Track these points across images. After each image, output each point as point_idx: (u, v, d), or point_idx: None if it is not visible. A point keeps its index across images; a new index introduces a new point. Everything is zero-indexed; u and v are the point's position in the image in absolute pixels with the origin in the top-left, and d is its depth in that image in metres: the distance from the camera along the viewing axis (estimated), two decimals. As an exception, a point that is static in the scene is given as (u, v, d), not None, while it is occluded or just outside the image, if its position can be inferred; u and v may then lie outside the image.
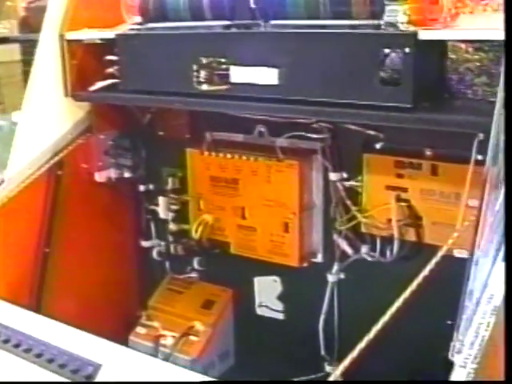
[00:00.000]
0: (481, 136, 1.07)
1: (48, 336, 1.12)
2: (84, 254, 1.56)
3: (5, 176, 1.40)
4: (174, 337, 1.55)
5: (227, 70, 1.25)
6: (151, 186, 1.62)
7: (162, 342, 1.55)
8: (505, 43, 0.92)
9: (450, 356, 0.83)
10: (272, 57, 1.19)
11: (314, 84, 1.16)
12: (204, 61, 1.27)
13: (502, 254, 0.92)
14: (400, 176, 1.31)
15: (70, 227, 1.52)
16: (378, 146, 1.32)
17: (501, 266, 0.91)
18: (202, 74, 1.29)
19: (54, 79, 1.44)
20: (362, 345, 0.86)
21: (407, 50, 1.07)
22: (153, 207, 1.63)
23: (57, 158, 1.46)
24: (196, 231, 1.51)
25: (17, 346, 1.10)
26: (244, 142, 1.46)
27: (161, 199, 1.60)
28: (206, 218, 1.51)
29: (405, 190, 1.31)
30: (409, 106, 1.09)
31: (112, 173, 1.57)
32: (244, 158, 1.42)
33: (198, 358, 1.54)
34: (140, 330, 1.60)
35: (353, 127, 1.28)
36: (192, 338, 1.55)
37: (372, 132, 1.30)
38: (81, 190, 1.53)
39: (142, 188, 1.62)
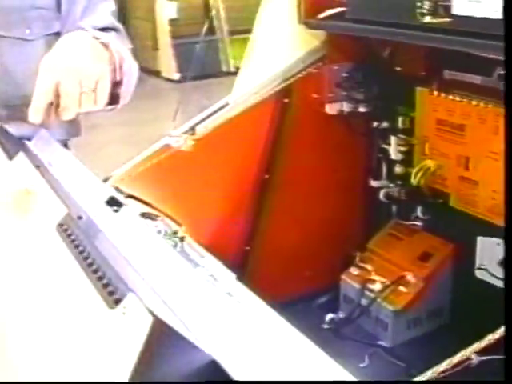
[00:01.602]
0: None
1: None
2: (306, 185, 1.55)
3: (230, 99, 1.43)
4: (382, 283, 1.48)
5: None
6: (384, 124, 1.53)
7: (370, 286, 1.49)
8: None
9: None
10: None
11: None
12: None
13: None
14: None
15: (294, 157, 1.52)
16: None
17: None
18: (426, 4, 1.16)
19: (288, 4, 1.42)
20: None
21: None
22: (385, 146, 1.54)
23: (285, 85, 1.45)
24: (415, 177, 1.40)
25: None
26: (478, 85, 1.30)
27: (392, 139, 1.51)
28: (428, 163, 1.39)
29: None
30: None
31: (344, 106, 1.52)
32: (474, 102, 1.26)
33: (403, 310, 1.45)
34: (353, 270, 1.56)
35: None
36: (401, 288, 1.47)
37: None
38: (308, 121, 1.51)
39: (375, 124, 1.54)
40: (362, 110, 1.52)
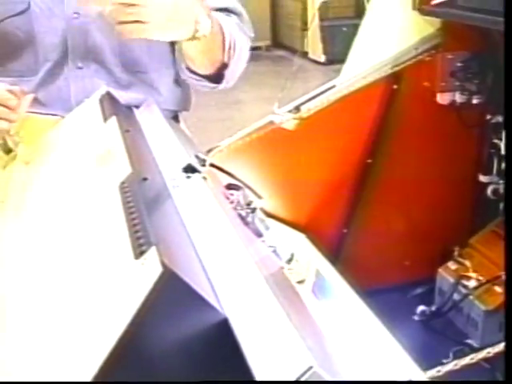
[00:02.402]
0: None
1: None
2: (410, 174, 1.53)
3: (337, 82, 1.44)
4: (478, 281, 1.45)
5: None
6: (498, 117, 1.48)
7: (465, 282, 1.46)
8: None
9: None
10: None
11: None
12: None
13: None
14: None
15: (399, 144, 1.50)
16: None
17: None
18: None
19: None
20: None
21: None
22: (496, 141, 1.49)
23: (395, 71, 1.44)
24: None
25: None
26: None
27: (504, 133, 1.46)
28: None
29: None
30: None
31: (457, 96, 1.48)
32: None
33: (495, 310, 1.41)
34: (451, 264, 1.53)
35: None
36: (496, 288, 1.42)
37: None
38: (417, 109, 1.49)
39: (488, 117, 1.49)
40: (475, 101, 1.48)
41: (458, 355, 1.41)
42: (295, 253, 0.98)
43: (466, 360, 0.72)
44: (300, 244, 1.41)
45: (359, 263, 1.52)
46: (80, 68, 1.22)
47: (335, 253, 1.52)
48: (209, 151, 1.38)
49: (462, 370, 0.74)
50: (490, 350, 0.73)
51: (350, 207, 1.52)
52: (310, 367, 0.52)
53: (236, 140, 1.39)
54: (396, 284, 1.56)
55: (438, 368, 0.73)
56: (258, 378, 0.54)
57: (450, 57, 1.45)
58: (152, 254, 0.59)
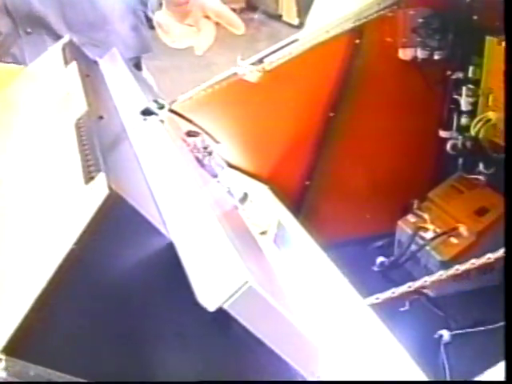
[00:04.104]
0: None
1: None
2: (372, 128, 1.56)
3: (300, 35, 1.46)
4: (435, 232, 1.48)
5: None
6: (458, 73, 1.50)
7: (422, 234, 1.50)
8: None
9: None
10: None
11: None
12: None
13: None
14: None
15: (362, 98, 1.53)
16: None
17: None
18: None
19: None
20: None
21: None
22: (456, 96, 1.52)
23: (357, 26, 1.45)
24: (474, 127, 1.38)
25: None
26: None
27: (464, 89, 1.49)
28: (489, 115, 1.37)
29: None
30: None
31: (418, 52, 1.50)
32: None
33: (450, 261, 1.45)
34: (411, 217, 1.56)
35: None
36: (452, 239, 1.46)
37: None
38: (380, 64, 1.51)
39: (448, 73, 1.52)
40: (436, 57, 1.50)
41: (415, 304, 1.46)
42: (249, 193, 1.00)
43: (404, 288, 0.75)
44: (263, 195, 1.43)
45: (321, 216, 1.55)
46: (29, 33, 1.24)
47: (297, 205, 1.55)
48: (171, 102, 1.39)
49: (400, 297, 0.77)
50: (427, 278, 0.76)
51: (313, 160, 1.54)
52: (246, 282, 0.54)
53: (199, 91, 1.40)
54: (357, 237, 1.60)
55: (377, 295, 0.76)
56: (199, 295, 0.56)
57: (411, 13, 1.47)
58: (100, 179, 0.61)
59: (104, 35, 1.27)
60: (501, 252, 0.96)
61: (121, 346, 0.58)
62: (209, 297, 0.56)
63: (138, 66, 1.38)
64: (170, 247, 0.62)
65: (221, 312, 0.54)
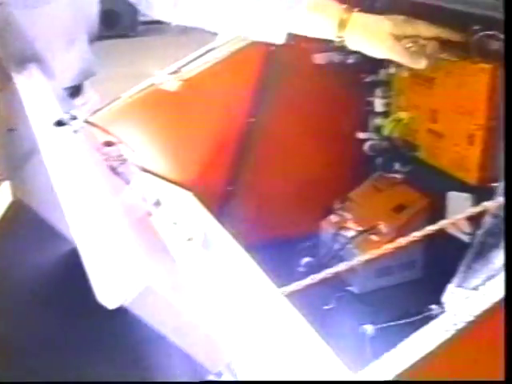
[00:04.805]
0: None
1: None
2: (292, 132, 1.59)
3: (216, 43, 1.48)
4: (356, 231, 1.53)
5: None
6: (371, 76, 1.55)
7: (344, 233, 1.54)
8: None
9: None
10: None
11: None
12: None
13: None
14: None
15: (280, 104, 1.56)
16: None
17: None
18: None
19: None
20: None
21: None
22: (371, 99, 1.57)
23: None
24: (387, 127, 1.43)
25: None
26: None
27: (377, 91, 1.54)
28: (401, 115, 1.42)
29: None
30: None
31: (333, 56, 1.54)
32: (442, 55, 1.28)
33: (372, 258, 1.49)
34: (333, 218, 1.60)
35: None
36: (373, 237, 1.51)
37: None
38: (297, 69, 1.54)
39: (362, 76, 1.57)
40: (350, 61, 1.55)
41: (340, 301, 1.50)
42: (161, 197, 1.02)
43: (307, 280, 0.78)
44: (187, 202, 1.45)
45: (245, 219, 1.58)
46: None
47: (222, 210, 1.57)
48: (92, 113, 1.40)
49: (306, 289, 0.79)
50: (339, 265, 0.79)
51: (235, 165, 1.57)
52: (144, 281, 0.56)
53: (117, 102, 1.41)
54: (282, 239, 1.62)
55: (297, 283, 0.78)
56: (99, 296, 0.58)
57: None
58: (5, 187, 0.62)
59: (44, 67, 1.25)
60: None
61: (28, 347, 0.59)
62: (109, 297, 0.57)
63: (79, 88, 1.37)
64: (74, 252, 0.63)
65: (122, 310, 0.56)
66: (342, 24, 1.17)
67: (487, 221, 0.76)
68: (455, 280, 0.71)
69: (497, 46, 1.18)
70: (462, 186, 1.35)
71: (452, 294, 0.70)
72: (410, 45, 1.18)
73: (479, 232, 0.76)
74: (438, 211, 1.47)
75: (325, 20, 1.18)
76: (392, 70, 1.46)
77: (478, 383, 0.68)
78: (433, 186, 1.46)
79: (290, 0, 1.19)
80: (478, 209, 0.84)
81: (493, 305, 0.65)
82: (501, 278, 0.68)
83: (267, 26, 1.21)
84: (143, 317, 0.56)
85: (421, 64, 1.17)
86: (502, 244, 0.71)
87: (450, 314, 0.67)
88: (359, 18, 1.17)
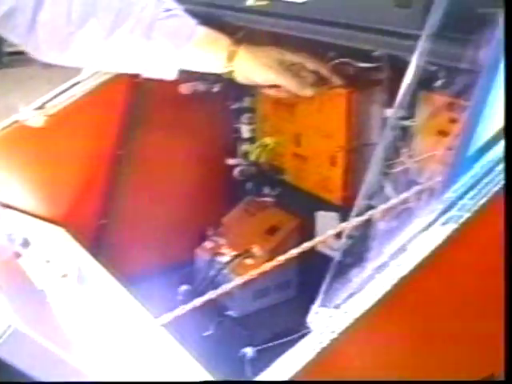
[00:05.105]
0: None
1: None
2: (163, 162, 1.60)
3: (81, 77, 1.48)
4: (231, 255, 1.55)
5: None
6: (237, 103, 1.59)
7: (219, 258, 1.56)
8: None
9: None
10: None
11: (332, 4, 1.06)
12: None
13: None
14: (454, 121, 1.14)
15: (149, 134, 1.56)
16: (437, 83, 1.15)
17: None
18: (248, -13, 1.23)
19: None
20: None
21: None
22: (238, 125, 1.61)
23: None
24: (254, 152, 1.48)
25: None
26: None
27: (243, 118, 1.58)
28: (267, 140, 1.47)
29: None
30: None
31: (199, 85, 1.57)
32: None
33: (248, 281, 1.52)
34: (207, 244, 1.62)
35: (413, 60, 1.13)
36: (247, 261, 1.54)
37: (432, 67, 1.14)
38: (163, 100, 1.55)
39: (229, 104, 1.60)
40: (216, 89, 1.58)
41: (220, 326, 1.52)
42: (29, 237, 1.00)
43: (189, 306, 0.79)
44: (60, 239, 1.43)
45: (120, 252, 1.57)
46: None
47: (96, 244, 1.56)
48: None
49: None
50: (212, 292, 0.80)
51: (107, 198, 1.56)
52: (10, 325, 0.55)
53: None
54: (159, 269, 1.62)
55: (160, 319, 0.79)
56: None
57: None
58: None
59: None
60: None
61: None
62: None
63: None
64: None
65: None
66: (231, 56, 1.21)
67: (344, 241, 0.81)
68: (318, 300, 0.74)
69: (351, 72, 1.24)
70: (330, 206, 1.41)
71: (316, 313, 0.73)
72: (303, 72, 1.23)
73: (336, 252, 0.80)
74: (308, 231, 1.53)
75: (214, 54, 1.21)
76: (256, 96, 1.51)
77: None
78: (302, 207, 1.51)
79: (178, 39, 1.20)
80: (337, 229, 0.88)
81: (354, 321, 0.69)
82: (361, 296, 0.72)
83: (158, 64, 1.22)
84: (11, 360, 0.55)
85: (307, 91, 1.22)
86: (361, 263, 0.75)
87: (316, 333, 0.71)
88: (248, 49, 1.21)
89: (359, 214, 0.84)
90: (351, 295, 0.72)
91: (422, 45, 0.93)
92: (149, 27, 1.20)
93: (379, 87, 1.27)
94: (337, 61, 1.25)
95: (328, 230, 1.45)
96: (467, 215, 0.76)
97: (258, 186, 1.64)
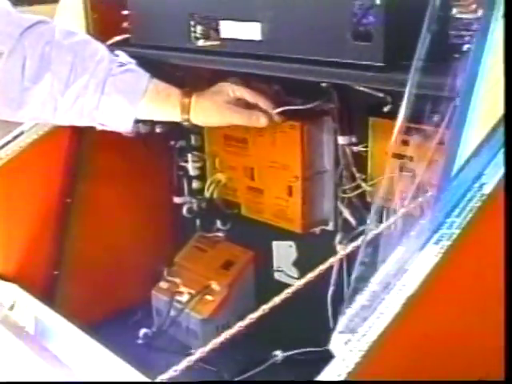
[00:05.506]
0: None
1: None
2: (110, 207, 1.59)
3: (25, 127, 1.45)
4: (189, 294, 1.55)
5: (218, 25, 1.21)
6: (180, 142, 1.60)
7: (178, 298, 1.56)
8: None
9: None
10: (255, 11, 1.13)
11: (289, 39, 1.09)
12: (198, 16, 1.23)
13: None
14: (406, 143, 1.20)
15: (95, 180, 1.55)
16: (385, 109, 1.21)
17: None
18: (198, 29, 1.25)
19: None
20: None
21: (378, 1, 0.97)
22: (183, 164, 1.62)
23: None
24: (208, 190, 1.49)
25: None
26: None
27: (189, 156, 1.59)
28: (219, 176, 1.49)
29: (410, 158, 1.19)
30: (381, 64, 0.99)
31: (141, 127, 1.57)
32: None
33: (210, 317, 1.53)
34: (163, 284, 1.62)
35: (361, 88, 1.19)
36: (207, 297, 1.54)
37: (380, 94, 1.20)
38: (106, 144, 1.53)
39: (172, 143, 1.61)
40: (158, 130, 1.59)
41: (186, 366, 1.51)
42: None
43: (183, 364, 0.79)
44: (14, 294, 1.39)
45: (76, 301, 1.54)
46: None
47: (51, 295, 1.52)
48: None
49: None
50: (202, 350, 0.81)
51: (57, 248, 1.53)
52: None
53: None
54: (117, 314, 1.60)
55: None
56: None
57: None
58: None
59: None
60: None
61: None
62: None
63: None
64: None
65: None
66: (185, 108, 1.23)
67: (357, 268, 0.83)
68: (337, 327, 0.76)
69: (300, 104, 1.28)
70: (288, 235, 1.44)
71: (336, 340, 0.75)
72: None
73: (352, 279, 0.83)
74: (264, 262, 1.55)
75: (168, 108, 1.24)
76: (202, 134, 1.53)
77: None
78: (257, 239, 1.54)
79: (131, 94, 1.22)
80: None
81: (372, 343, 0.72)
82: (374, 318, 0.75)
83: (114, 118, 1.23)
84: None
85: (261, 122, 1.24)
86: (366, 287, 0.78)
87: (339, 359, 0.73)
88: (198, 97, 1.24)
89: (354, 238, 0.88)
90: (365, 319, 0.75)
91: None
92: (103, 82, 1.21)
93: (328, 117, 1.32)
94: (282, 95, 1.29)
95: (285, 259, 1.51)
96: (458, 231, 0.81)
97: (208, 222, 1.65)
